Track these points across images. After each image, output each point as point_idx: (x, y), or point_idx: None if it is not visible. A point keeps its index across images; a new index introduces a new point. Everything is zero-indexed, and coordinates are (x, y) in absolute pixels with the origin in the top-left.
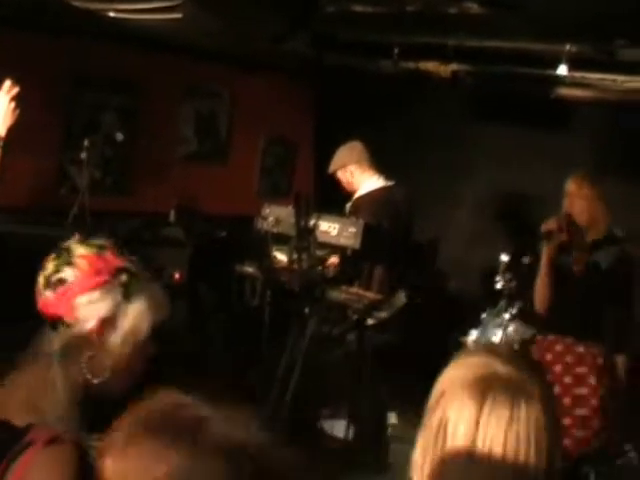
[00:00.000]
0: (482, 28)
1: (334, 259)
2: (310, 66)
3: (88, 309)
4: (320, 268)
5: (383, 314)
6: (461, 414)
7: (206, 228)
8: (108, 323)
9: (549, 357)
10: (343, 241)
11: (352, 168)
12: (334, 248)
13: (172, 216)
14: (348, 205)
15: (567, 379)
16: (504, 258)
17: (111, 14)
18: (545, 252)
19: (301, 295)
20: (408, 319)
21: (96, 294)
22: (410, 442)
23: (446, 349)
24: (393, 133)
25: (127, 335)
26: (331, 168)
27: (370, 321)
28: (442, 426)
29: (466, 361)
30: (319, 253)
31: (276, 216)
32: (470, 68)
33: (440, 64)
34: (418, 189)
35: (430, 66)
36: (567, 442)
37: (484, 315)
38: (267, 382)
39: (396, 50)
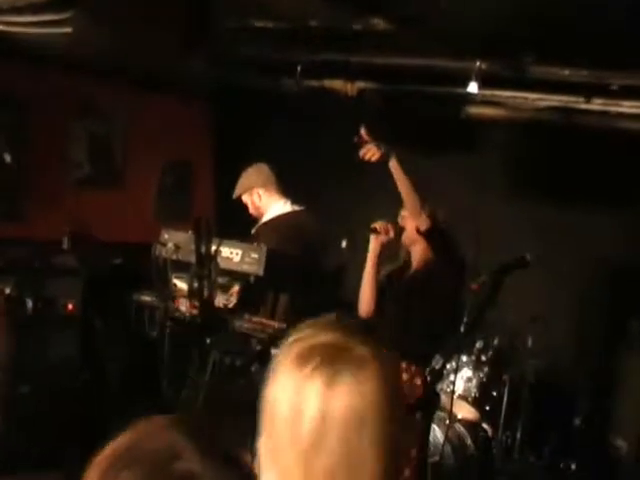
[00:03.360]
0: (389, 45)
1: (237, 287)
2: (209, 85)
3: None
4: (222, 296)
5: None
6: (284, 388)
7: (101, 255)
8: None
9: None
10: (246, 268)
11: (259, 191)
12: (237, 275)
13: (65, 243)
14: (253, 230)
15: None
16: None
17: None
18: (371, 246)
19: (202, 325)
20: None
21: None
22: None
23: None
24: (296, 155)
25: None
26: (236, 192)
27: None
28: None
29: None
30: (221, 281)
31: (175, 242)
32: (377, 86)
33: (346, 82)
34: (321, 214)
35: (335, 84)
36: None
37: None
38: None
39: (299, 68)
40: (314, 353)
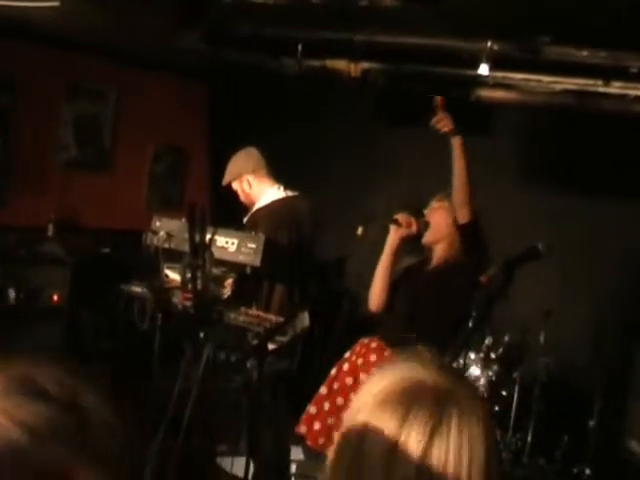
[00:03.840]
0: (395, 23)
1: (232, 278)
2: (204, 64)
3: None
4: (217, 288)
5: (285, 338)
6: (379, 433)
7: (88, 244)
8: None
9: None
10: (242, 258)
11: (249, 178)
12: (232, 266)
13: (50, 231)
14: (245, 219)
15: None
16: None
17: None
18: (390, 238)
19: (195, 318)
20: (312, 343)
21: None
22: None
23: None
24: (296, 139)
25: None
26: (225, 179)
27: (271, 346)
28: (358, 449)
29: (387, 371)
30: (215, 271)
31: (167, 230)
32: (382, 67)
33: (349, 62)
34: (322, 201)
35: (338, 64)
36: None
37: None
38: (157, 415)
39: (300, 47)
40: (418, 397)
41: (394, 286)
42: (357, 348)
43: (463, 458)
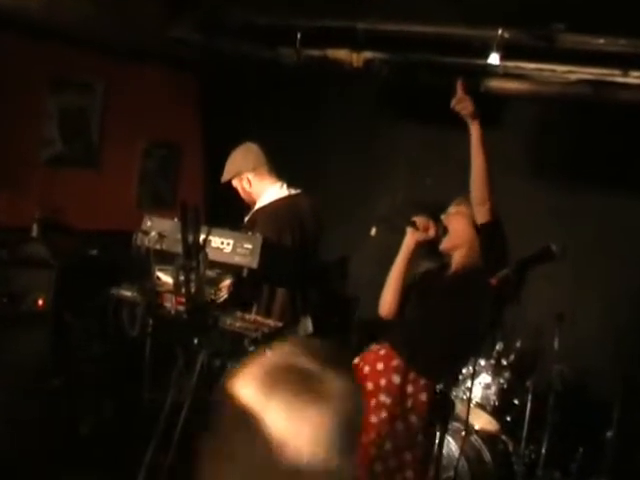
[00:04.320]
0: (400, 10)
1: (228, 281)
2: (197, 55)
3: None
4: (211, 291)
5: None
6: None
7: (75, 245)
8: None
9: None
10: (238, 259)
11: (249, 176)
12: (228, 268)
13: (34, 231)
14: (246, 218)
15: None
16: None
17: None
18: (405, 241)
19: (189, 323)
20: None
21: None
22: None
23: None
24: (294, 133)
25: None
26: (224, 176)
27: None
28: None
29: (265, 357)
30: (210, 274)
31: (159, 230)
32: (386, 57)
33: (351, 52)
34: (322, 199)
35: (339, 54)
36: None
37: None
38: (149, 426)
39: (299, 35)
40: (282, 379)
41: (407, 291)
42: (366, 355)
43: (316, 432)
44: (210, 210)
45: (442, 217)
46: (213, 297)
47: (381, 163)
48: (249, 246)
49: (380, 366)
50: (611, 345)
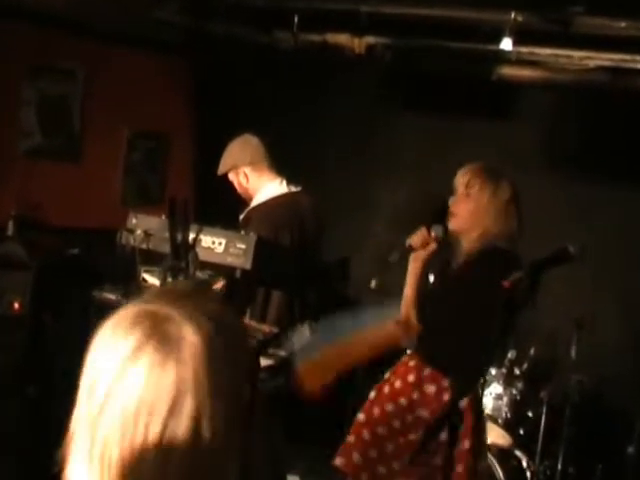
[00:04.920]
0: None
1: (220, 283)
2: (187, 39)
3: None
4: None
5: (282, 352)
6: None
7: (55, 244)
8: None
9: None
10: (230, 260)
11: (246, 170)
12: (219, 269)
13: (10, 229)
14: (241, 216)
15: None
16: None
17: None
18: (411, 268)
19: None
20: None
21: None
22: None
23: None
24: (292, 123)
25: None
26: (220, 169)
27: (266, 361)
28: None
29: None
30: (200, 275)
31: (145, 228)
32: (390, 42)
33: (352, 37)
34: (321, 194)
35: (340, 39)
36: None
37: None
38: None
39: (296, 18)
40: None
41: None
42: (398, 368)
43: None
44: (201, 207)
45: (449, 202)
46: None
47: (379, 157)
48: (242, 246)
49: (411, 378)
50: (632, 352)
